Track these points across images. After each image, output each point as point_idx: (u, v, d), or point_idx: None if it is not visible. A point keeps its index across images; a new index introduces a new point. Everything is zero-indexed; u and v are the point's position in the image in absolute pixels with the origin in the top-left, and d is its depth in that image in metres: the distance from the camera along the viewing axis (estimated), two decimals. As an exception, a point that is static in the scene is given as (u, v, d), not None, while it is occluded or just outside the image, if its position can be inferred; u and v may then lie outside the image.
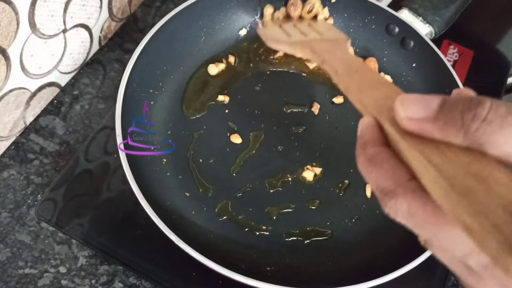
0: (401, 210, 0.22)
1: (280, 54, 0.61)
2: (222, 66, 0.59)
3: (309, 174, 0.53)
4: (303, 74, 0.61)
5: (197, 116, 0.56)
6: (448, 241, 0.21)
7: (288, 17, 0.58)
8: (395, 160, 0.23)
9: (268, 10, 0.59)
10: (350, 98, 0.30)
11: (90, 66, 0.63)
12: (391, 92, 0.27)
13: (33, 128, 0.58)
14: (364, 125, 0.25)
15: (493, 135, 0.20)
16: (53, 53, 0.56)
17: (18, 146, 0.56)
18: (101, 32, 0.63)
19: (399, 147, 0.23)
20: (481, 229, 0.18)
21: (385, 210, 0.23)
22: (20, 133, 0.57)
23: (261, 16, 0.60)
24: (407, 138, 0.22)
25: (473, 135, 0.20)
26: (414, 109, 0.22)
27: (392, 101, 0.23)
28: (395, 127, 0.23)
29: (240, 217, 0.50)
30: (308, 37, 0.50)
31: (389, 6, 0.62)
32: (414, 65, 0.61)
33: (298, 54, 0.46)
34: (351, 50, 0.62)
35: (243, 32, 0.62)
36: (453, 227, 0.20)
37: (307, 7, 0.57)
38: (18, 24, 0.49)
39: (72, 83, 0.61)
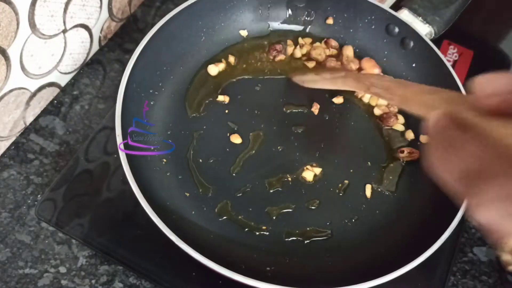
0: (493, 194, 0.18)
1: (281, 57, 0.61)
2: (222, 66, 0.59)
3: (309, 174, 0.53)
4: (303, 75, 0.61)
5: (197, 116, 0.56)
6: None
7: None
8: (479, 142, 0.20)
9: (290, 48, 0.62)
10: (410, 105, 0.29)
11: (90, 66, 0.63)
12: (450, 92, 0.26)
13: (33, 128, 0.58)
14: (435, 116, 0.23)
15: None
16: (53, 53, 0.56)
17: (18, 146, 0.56)
18: (101, 32, 0.63)
19: (483, 130, 0.21)
20: None
21: (471, 202, 0.20)
22: (20, 133, 0.57)
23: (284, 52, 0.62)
24: (490, 118, 0.21)
25: None
26: (494, 84, 0.20)
27: (456, 96, 0.22)
28: (472, 112, 0.21)
29: (240, 217, 0.51)
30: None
31: (390, 6, 0.62)
32: (414, 65, 0.61)
33: (341, 87, 0.48)
34: (351, 50, 0.62)
35: (243, 32, 0.62)
36: None
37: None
38: (18, 24, 0.49)
39: (72, 83, 0.62)
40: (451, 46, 0.69)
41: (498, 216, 0.19)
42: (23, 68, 0.52)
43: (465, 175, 0.20)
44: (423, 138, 0.57)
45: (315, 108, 0.58)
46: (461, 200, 0.20)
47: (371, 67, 0.61)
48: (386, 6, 0.61)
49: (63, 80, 0.61)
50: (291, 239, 0.50)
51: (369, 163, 0.55)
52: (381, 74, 0.61)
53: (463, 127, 0.22)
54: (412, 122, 0.59)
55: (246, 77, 0.60)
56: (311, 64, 0.61)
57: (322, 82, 0.54)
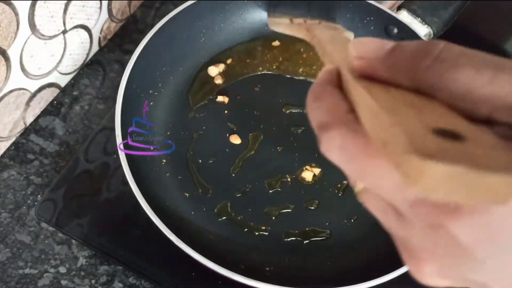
0: (334, 143, 0.20)
1: (281, 58, 0.61)
2: (221, 67, 0.60)
3: (308, 175, 0.53)
4: (303, 75, 0.61)
5: (197, 116, 0.56)
6: (376, 177, 0.19)
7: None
8: (341, 96, 0.22)
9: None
10: (322, 56, 0.30)
11: (89, 67, 0.63)
12: (346, 49, 0.27)
13: (33, 128, 0.58)
14: (323, 70, 0.24)
15: (445, 74, 0.19)
16: (53, 54, 0.56)
17: (18, 147, 0.56)
18: (100, 33, 0.63)
19: (348, 87, 0.22)
20: (393, 137, 0.17)
21: (321, 148, 0.21)
22: (20, 133, 0.57)
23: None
24: (358, 79, 0.21)
25: (423, 74, 0.19)
26: (365, 49, 0.21)
27: (348, 51, 0.23)
28: (350, 72, 0.22)
29: (239, 217, 0.51)
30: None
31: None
32: (413, 66, 0.61)
33: (295, 33, 0.48)
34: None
35: (242, 33, 0.62)
36: (380, 157, 0.19)
37: None
38: (18, 25, 0.49)
39: (72, 83, 0.62)
40: (450, 47, 0.69)
41: (338, 163, 0.21)
42: (23, 68, 0.52)
43: (319, 125, 0.21)
44: None
45: (314, 109, 0.58)
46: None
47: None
48: (384, 6, 0.61)
49: (63, 81, 0.61)
50: (290, 239, 0.50)
51: (368, 163, 0.55)
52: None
53: (339, 82, 0.23)
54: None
55: (245, 78, 0.60)
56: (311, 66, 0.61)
57: (283, 26, 0.54)
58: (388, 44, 0.21)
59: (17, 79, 0.52)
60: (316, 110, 0.22)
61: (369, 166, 0.19)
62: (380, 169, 0.19)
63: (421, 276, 0.21)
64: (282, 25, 0.52)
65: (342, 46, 0.29)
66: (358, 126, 0.20)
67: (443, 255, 0.19)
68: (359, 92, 0.20)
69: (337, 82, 0.23)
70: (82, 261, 0.51)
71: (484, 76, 0.18)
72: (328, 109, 0.21)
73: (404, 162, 0.16)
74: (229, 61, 0.60)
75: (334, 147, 0.20)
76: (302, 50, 0.63)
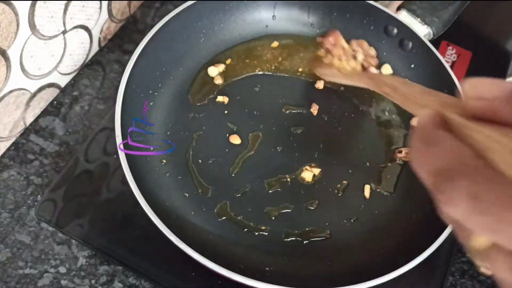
0: (464, 193, 0.18)
1: (281, 59, 0.61)
2: (221, 67, 0.60)
3: (307, 175, 0.54)
4: (302, 75, 0.61)
5: (197, 117, 0.56)
6: None
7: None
8: (458, 141, 0.20)
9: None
10: (408, 105, 0.30)
11: (89, 67, 0.63)
12: (447, 96, 0.26)
13: (33, 129, 0.58)
14: (424, 114, 0.23)
15: None
16: (53, 54, 0.56)
17: (18, 147, 0.56)
18: (100, 33, 0.63)
19: (464, 131, 0.21)
20: None
21: (440, 198, 0.19)
22: (20, 134, 0.57)
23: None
24: (474, 121, 0.20)
25: None
26: (485, 88, 0.20)
27: (452, 100, 0.22)
28: (460, 114, 0.21)
29: (239, 217, 0.51)
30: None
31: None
32: (412, 66, 0.61)
33: (356, 83, 0.49)
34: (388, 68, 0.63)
35: (242, 33, 0.62)
36: None
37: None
38: (18, 25, 0.49)
39: (71, 84, 0.62)
40: (450, 47, 0.69)
41: (463, 215, 0.19)
42: (23, 69, 0.52)
43: (438, 172, 0.20)
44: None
45: (314, 109, 0.58)
46: (434, 196, 0.20)
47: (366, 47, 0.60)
48: (386, 7, 0.61)
49: (63, 81, 0.61)
50: (290, 239, 0.50)
51: (367, 163, 0.56)
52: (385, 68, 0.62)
53: (447, 126, 0.22)
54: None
55: (245, 78, 0.60)
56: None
57: (340, 77, 0.55)
58: (508, 84, 0.20)
59: (17, 79, 0.52)
60: (430, 155, 0.20)
61: (510, 218, 0.17)
62: None
63: None
64: (338, 78, 0.54)
65: (421, 89, 0.29)
66: (491, 172, 0.18)
67: None
68: (488, 135, 0.19)
69: (444, 127, 0.22)
70: (82, 261, 0.51)
71: None
72: (448, 154, 0.20)
73: None
74: (228, 61, 0.60)
75: (463, 197, 0.18)
76: (301, 50, 0.63)
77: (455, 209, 0.19)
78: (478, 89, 0.20)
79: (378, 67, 0.62)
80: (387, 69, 0.62)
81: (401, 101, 0.34)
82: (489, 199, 0.18)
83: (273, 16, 0.64)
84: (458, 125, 0.22)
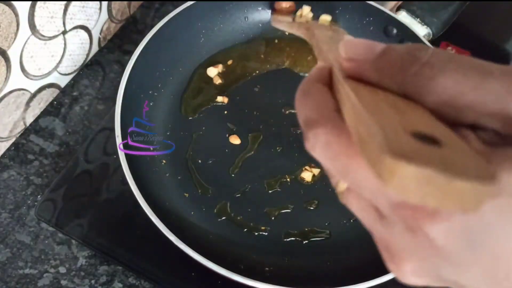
0: (319, 140, 0.20)
1: (281, 59, 0.61)
2: (221, 67, 0.60)
3: (307, 175, 0.54)
4: (303, 76, 0.61)
5: (196, 117, 0.56)
6: (358, 177, 0.19)
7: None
8: (329, 94, 0.22)
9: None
10: (318, 55, 0.30)
11: (89, 67, 0.63)
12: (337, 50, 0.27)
13: (33, 129, 0.58)
14: (315, 68, 0.24)
15: (433, 80, 0.19)
16: (52, 55, 0.56)
17: (18, 147, 0.56)
18: (100, 34, 0.63)
19: (337, 87, 0.22)
20: (370, 136, 0.17)
21: (306, 145, 0.21)
22: (20, 134, 0.57)
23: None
24: (347, 79, 0.21)
25: (411, 79, 0.19)
26: (356, 51, 0.21)
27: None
28: (341, 72, 0.22)
29: (239, 217, 0.51)
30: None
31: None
32: (412, 66, 0.61)
33: (295, 31, 0.49)
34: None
35: (242, 33, 0.62)
36: (363, 160, 0.19)
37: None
38: (18, 25, 0.49)
39: (71, 84, 0.62)
40: (449, 47, 0.69)
41: (322, 160, 0.21)
42: (23, 69, 0.52)
43: (305, 121, 0.22)
44: None
45: (314, 109, 0.58)
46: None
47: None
48: (383, 6, 0.61)
49: (63, 81, 0.61)
50: (290, 239, 0.50)
51: (367, 163, 0.56)
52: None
53: (330, 81, 0.23)
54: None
55: (245, 78, 0.60)
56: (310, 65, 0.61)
57: (284, 24, 0.55)
58: (378, 46, 0.21)
59: (17, 79, 0.52)
60: (304, 106, 0.22)
61: (352, 166, 0.19)
62: (362, 169, 0.19)
63: (401, 275, 0.21)
64: (284, 23, 0.53)
65: (337, 47, 0.29)
66: (343, 125, 0.20)
67: (421, 256, 0.19)
68: (345, 91, 0.20)
69: (328, 81, 0.23)
70: (82, 261, 0.51)
71: (470, 83, 0.19)
72: (316, 106, 0.22)
73: (378, 161, 0.16)
74: (228, 61, 0.60)
75: (319, 144, 0.20)
76: (301, 50, 0.63)
77: (314, 153, 0.21)
78: (351, 51, 0.22)
79: None
80: (326, 18, 0.60)
81: (316, 52, 0.33)
82: (336, 148, 0.20)
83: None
84: (335, 81, 0.23)
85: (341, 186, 0.23)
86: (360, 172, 0.19)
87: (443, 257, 0.19)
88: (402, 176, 0.15)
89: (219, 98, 0.57)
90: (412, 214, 0.18)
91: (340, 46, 0.22)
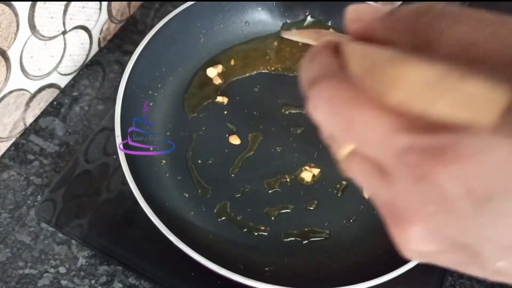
0: (323, 95, 0.19)
1: (281, 59, 0.61)
2: (221, 67, 0.60)
3: (307, 175, 0.54)
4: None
5: (196, 117, 0.56)
6: (364, 128, 0.18)
7: None
8: (332, 57, 0.21)
9: None
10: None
11: (89, 67, 0.63)
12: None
13: (33, 129, 0.58)
14: (322, 40, 0.24)
15: (445, 29, 0.18)
16: (52, 55, 0.56)
17: (18, 147, 0.56)
18: (100, 34, 0.64)
19: (341, 48, 0.22)
20: (377, 56, 0.16)
21: (308, 105, 0.20)
22: (20, 134, 0.57)
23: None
24: (353, 40, 0.21)
25: (423, 30, 0.19)
26: (363, 11, 0.21)
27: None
28: (347, 36, 0.22)
29: (238, 217, 0.51)
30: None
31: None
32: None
33: (306, 38, 0.49)
34: None
35: (241, 33, 0.62)
36: (370, 107, 0.18)
37: None
38: (18, 25, 0.49)
39: (71, 84, 0.62)
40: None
41: (324, 118, 0.20)
42: (23, 69, 0.52)
43: (307, 81, 0.21)
44: None
45: (314, 109, 0.58)
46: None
47: None
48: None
49: (63, 81, 0.61)
50: (289, 239, 0.50)
51: (367, 163, 0.56)
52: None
53: (334, 49, 0.23)
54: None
55: (244, 78, 0.60)
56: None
57: (300, 35, 0.55)
58: (386, 8, 0.21)
59: (17, 79, 0.52)
60: (309, 69, 0.21)
61: (358, 117, 0.18)
62: (369, 118, 0.18)
63: (406, 242, 0.19)
64: (293, 32, 0.53)
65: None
66: (345, 77, 0.19)
67: (429, 211, 0.17)
68: (352, 48, 0.20)
69: (334, 49, 0.23)
70: (82, 261, 0.51)
71: (487, 29, 0.18)
72: (321, 66, 0.21)
73: (385, 74, 0.15)
74: (228, 62, 0.60)
75: (323, 100, 0.19)
76: (300, 51, 0.63)
77: (318, 113, 0.20)
78: (358, 13, 0.21)
79: None
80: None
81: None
82: (341, 100, 0.19)
83: (272, 16, 0.64)
84: (340, 45, 0.22)
85: (342, 151, 0.22)
86: (367, 122, 0.18)
87: (454, 212, 0.17)
88: (409, 79, 0.14)
89: (219, 98, 0.58)
90: (420, 159, 0.16)
91: (346, 10, 0.22)
